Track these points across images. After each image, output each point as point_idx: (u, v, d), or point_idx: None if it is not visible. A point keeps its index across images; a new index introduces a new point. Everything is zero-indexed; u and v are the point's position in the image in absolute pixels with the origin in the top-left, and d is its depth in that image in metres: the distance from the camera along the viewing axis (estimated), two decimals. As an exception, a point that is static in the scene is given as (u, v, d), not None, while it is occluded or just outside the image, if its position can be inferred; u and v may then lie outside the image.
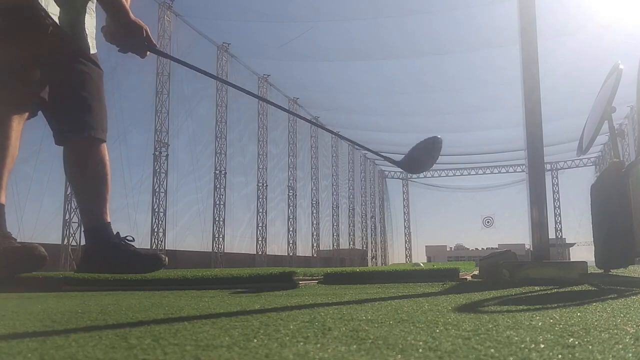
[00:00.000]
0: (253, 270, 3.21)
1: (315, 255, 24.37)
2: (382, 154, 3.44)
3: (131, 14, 2.65)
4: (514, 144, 21.57)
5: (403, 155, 2.75)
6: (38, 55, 2.63)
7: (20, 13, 2.59)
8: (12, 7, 2.60)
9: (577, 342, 0.74)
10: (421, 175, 33.37)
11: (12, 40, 2.61)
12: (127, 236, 2.86)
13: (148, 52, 2.75)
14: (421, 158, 2.72)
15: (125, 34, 2.64)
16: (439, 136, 2.70)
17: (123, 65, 12.30)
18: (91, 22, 2.91)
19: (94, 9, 2.91)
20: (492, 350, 0.69)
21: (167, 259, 2.88)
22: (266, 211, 20.58)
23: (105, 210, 2.84)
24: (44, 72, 2.69)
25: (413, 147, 2.69)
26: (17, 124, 2.60)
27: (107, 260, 2.72)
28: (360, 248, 29.93)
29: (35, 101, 2.67)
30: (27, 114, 2.66)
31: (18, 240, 2.58)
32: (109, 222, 2.85)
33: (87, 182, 2.84)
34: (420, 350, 0.69)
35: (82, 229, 2.94)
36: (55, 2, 2.66)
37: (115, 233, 2.84)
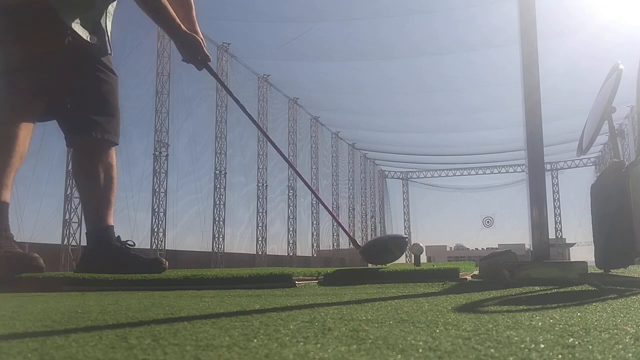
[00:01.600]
0: (253, 270, 3.21)
1: (315, 255, 24.36)
2: (348, 233, 3.76)
3: (182, 27, 2.77)
4: (514, 144, 21.56)
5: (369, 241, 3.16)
6: (48, 56, 2.64)
7: (29, 12, 2.60)
8: (22, 5, 2.60)
9: (577, 342, 0.74)
10: (421, 175, 33.42)
11: (20, 39, 2.62)
12: (127, 240, 2.87)
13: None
14: (380, 253, 2.92)
15: (179, 45, 2.80)
16: (405, 237, 3.04)
17: (123, 65, 12.30)
18: (109, 26, 2.94)
19: (112, 12, 2.94)
20: (492, 350, 0.69)
21: (167, 263, 2.88)
22: (266, 211, 20.58)
23: (110, 213, 2.86)
24: (59, 75, 2.70)
25: (378, 238, 2.99)
26: (27, 123, 2.61)
27: (106, 262, 2.73)
28: (361, 248, 29.89)
29: (48, 103, 2.68)
30: (37, 114, 2.66)
31: (18, 241, 2.58)
32: (112, 225, 2.86)
33: (95, 184, 2.86)
34: (420, 350, 0.69)
35: (86, 230, 2.95)
36: (73, 6, 2.68)
37: (116, 236, 2.85)
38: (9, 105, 2.60)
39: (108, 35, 2.89)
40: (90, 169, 2.88)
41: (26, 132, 2.57)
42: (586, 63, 16.34)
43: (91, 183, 2.88)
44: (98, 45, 2.83)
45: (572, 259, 19.17)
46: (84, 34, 2.73)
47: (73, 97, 2.76)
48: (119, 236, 2.86)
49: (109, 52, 2.90)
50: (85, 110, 2.81)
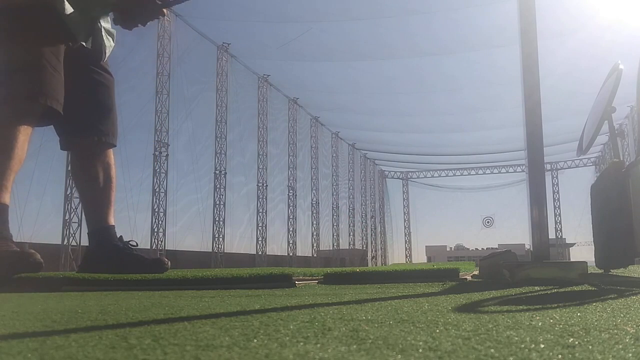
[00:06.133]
0: (253, 270, 3.21)
1: (315, 255, 24.36)
2: None
3: None
4: (514, 144, 21.58)
5: None
6: (48, 57, 2.62)
7: (28, 13, 2.59)
8: (20, 7, 2.60)
9: (577, 342, 0.74)
10: (421, 175, 33.43)
11: (20, 40, 2.61)
12: (130, 240, 2.87)
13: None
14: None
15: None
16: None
17: (123, 65, 12.31)
18: (110, 30, 2.92)
19: (110, 19, 2.93)
20: (492, 350, 0.69)
21: (169, 263, 2.88)
22: (266, 211, 20.58)
23: (110, 213, 2.86)
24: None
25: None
26: (26, 127, 2.59)
27: (108, 262, 2.73)
28: (360, 248, 29.92)
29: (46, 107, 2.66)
30: (37, 117, 2.65)
31: (18, 241, 2.58)
32: (113, 225, 2.86)
33: (94, 186, 2.86)
34: (420, 350, 0.69)
35: (87, 231, 2.95)
36: (70, 6, 2.66)
37: (118, 236, 2.85)
38: (9, 108, 2.60)
39: (104, 40, 2.87)
40: (89, 170, 2.88)
41: (25, 135, 2.56)
42: (586, 63, 16.36)
43: (91, 184, 2.89)
44: (94, 47, 2.82)
45: (572, 259, 19.18)
46: (81, 36, 2.72)
47: (69, 100, 2.75)
48: (121, 236, 2.86)
49: (105, 57, 2.89)
50: (82, 112, 2.80)
